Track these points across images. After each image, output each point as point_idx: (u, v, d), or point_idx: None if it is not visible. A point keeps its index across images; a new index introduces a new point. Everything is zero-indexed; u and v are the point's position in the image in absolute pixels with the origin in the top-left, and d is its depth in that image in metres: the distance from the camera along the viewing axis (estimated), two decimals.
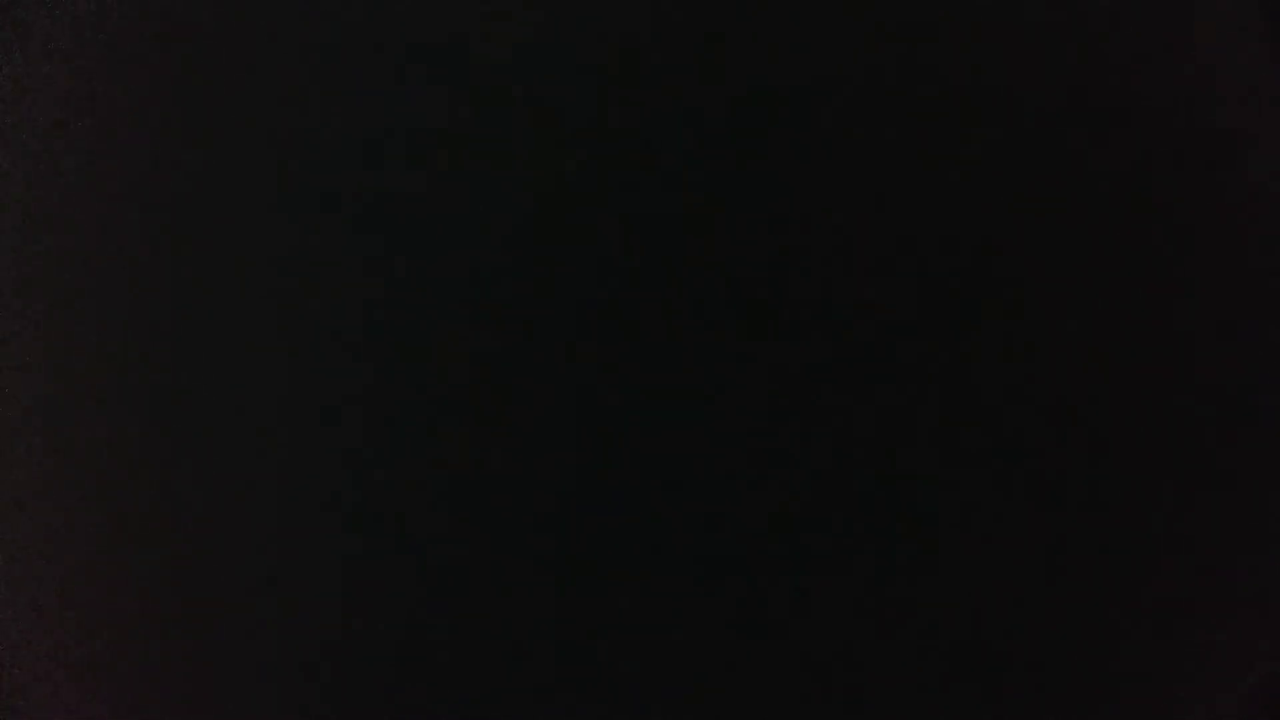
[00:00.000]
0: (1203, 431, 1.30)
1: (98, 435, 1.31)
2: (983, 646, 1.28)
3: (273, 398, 1.30)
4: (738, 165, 1.31)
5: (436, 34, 1.33)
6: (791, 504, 1.29)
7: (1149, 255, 1.31)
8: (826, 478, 1.29)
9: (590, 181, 1.31)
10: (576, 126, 1.32)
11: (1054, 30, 1.32)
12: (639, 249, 1.31)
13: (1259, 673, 1.30)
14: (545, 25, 1.32)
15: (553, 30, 1.32)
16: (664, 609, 1.29)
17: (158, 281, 1.32)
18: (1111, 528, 1.29)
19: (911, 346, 1.30)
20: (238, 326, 1.31)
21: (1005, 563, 1.29)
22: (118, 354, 1.32)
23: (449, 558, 1.30)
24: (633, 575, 1.29)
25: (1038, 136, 1.31)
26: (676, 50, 1.32)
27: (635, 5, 1.32)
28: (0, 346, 1.32)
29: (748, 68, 1.32)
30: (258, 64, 1.33)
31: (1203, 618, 1.30)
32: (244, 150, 1.32)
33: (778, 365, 1.30)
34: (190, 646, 1.30)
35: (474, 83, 1.32)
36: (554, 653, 1.29)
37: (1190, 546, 1.30)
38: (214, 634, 1.30)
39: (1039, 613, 1.29)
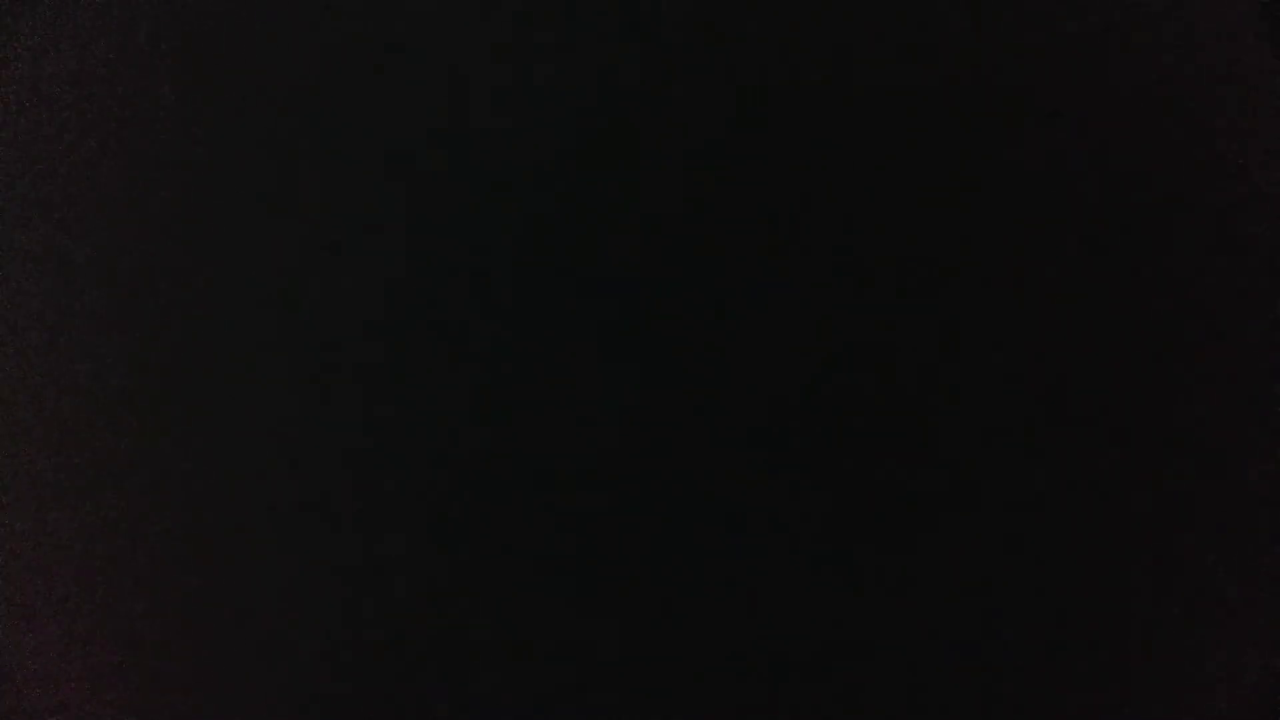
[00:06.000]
0: (1203, 431, 1.30)
1: (98, 435, 1.31)
2: (981, 647, 1.29)
3: (277, 399, 1.31)
4: (738, 166, 1.31)
5: (439, 35, 1.33)
6: (790, 503, 1.29)
7: (1148, 255, 1.31)
8: (827, 478, 1.29)
9: (593, 182, 1.31)
10: (578, 126, 1.32)
11: (1053, 30, 1.32)
12: (641, 251, 1.31)
13: (1258, 673, 1.30)
14: (550, 24, 1.33)
15: (556, 29, 1.32)
16: (663, 610, 1.29)
17: (159, 281, 1.32)
18: (1110, 527, 1.29)
19: (911, 347, 1.30)
20: (240, 327, 1.31)
21: (1004, 563, 1.29)
22: (119, 354, 1.32)
23: (451, 560, 1.30)
24: (634, 576, 1.29)
25: (1036, 136, 1.31)
26: (680, 51, 1.32)
27: (637, 6, 1.32)
28: (0, 346, 1.32)
29: (748, 68, 1.32)
30: (261, 64, 1.33)
31: (1202, 618, 1.30)
32: (247, 151, 1.32)
33: (779, 365, 1.30)
34: (190, 647, 1.30)
35: (477, 83, 1.32)
36: (554, 655, 1.29)
37: (1190, 546, 1.30)
38: (214, 635, 1.30)
39: (1038, 612, 1.29)
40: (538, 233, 1.31)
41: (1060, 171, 1.31)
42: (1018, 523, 1.29)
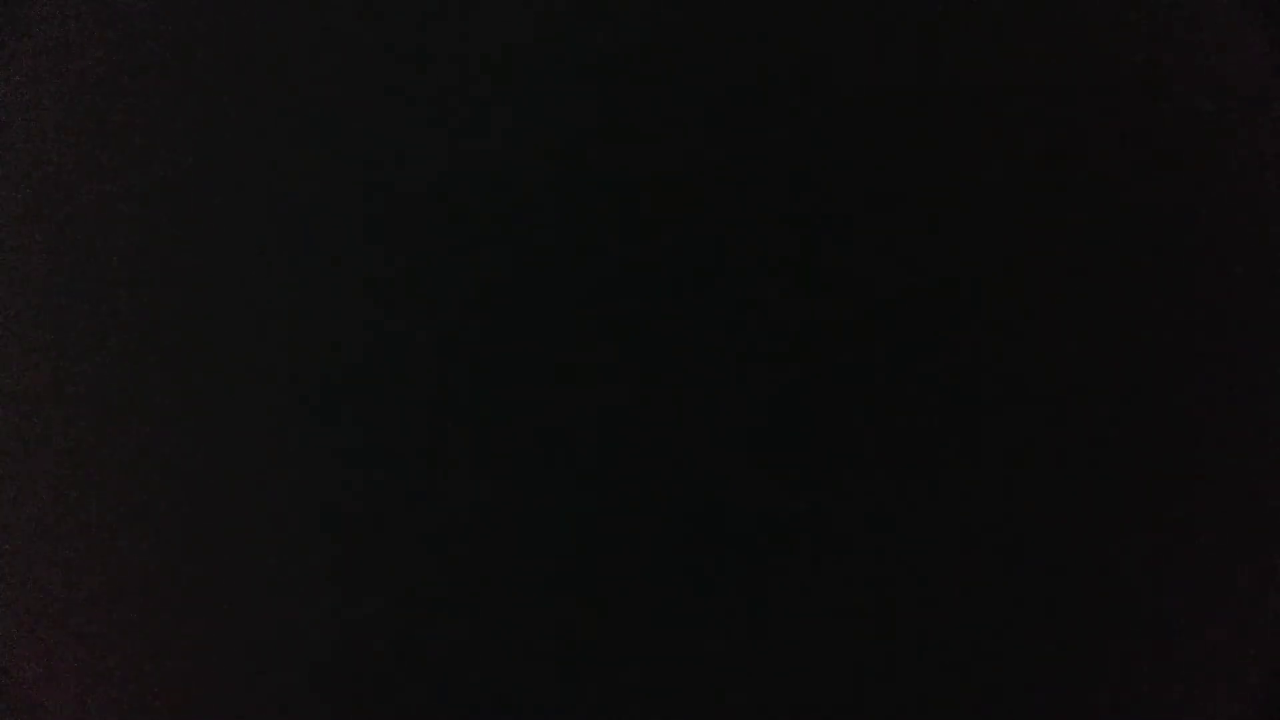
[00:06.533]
0: (1203, 431, 1.30)
1: (97, 434, 1.31)
2: (982, 647, 1.28)
3: (276, 399, 1.31)
4: (736, 166, 1.31)
5: (438, 34, 1.33)
6: (790, 504, 1.29)
7: (1148, 255, 1.31)
8: (826, 479, 1.29)
9: (589, 181, 1.31)
10: (575, 125, 1.32)
11: (1054, 29, 1.32)
12: (637, 250, 1.31)
13: (1259, 673, 1.30)
14: (549, 21, 1.33)
15: (555, 26, 1.32)
16: (661, 611, 1.29)
17: (158, 281, 1.32)
18: (1111, 528, 1.29)
19: (910, 345, 1.30)
20: (238, 327, 1.31)
21: (1004, 564, 1.29)
22: (118, 354, 1.32)
23: (448, 561, 1.30)
24: (631, 577, 1.29)
25: (1037, 135, 1.31)
26: (679, 47, 1.32)
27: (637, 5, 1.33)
28: (0, 346, 1.32)
29: (749, 67, 1.32)
30: (260, 65, 1.33)
31: (1203, 618, 1.30)
32: (245, 150, 1.32)
33: (778, 365, 1.30)
34: (190, 647, 1.30)
35: (473, 80, 1.32)
36: (551, 656, 1.29)
37: (1190, 546, 1.30)
38: (214, 635, 1.30)
39: (1038, 613, 1.29)
40: (535, 232, 1.31)
41: (1060, 171, 1.31)
42: (1018, 522, 1.29)
